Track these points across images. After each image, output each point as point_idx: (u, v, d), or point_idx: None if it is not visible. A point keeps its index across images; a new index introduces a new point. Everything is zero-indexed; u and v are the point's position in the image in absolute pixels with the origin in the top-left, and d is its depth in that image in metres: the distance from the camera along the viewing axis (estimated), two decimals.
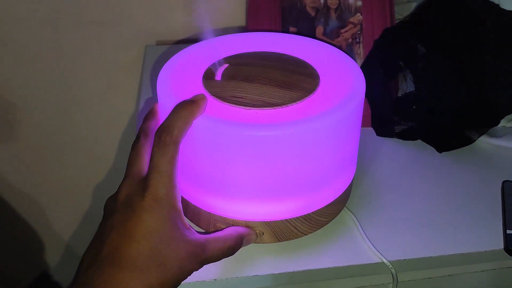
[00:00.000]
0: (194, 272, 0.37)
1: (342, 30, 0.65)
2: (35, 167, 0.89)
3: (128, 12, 0.76)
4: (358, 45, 0.65)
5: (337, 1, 0.65)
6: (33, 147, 0.86)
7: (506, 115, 0.58)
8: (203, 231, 0.45)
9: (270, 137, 0.38)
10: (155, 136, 0.37)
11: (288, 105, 0.40)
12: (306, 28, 0.65)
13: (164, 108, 0.41)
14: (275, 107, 0.40)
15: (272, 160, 0.39)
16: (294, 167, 0.40)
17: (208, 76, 0.44)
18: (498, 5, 0.59)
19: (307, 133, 0.38)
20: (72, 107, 0.83)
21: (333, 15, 0.65)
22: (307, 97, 0.41)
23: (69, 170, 0.90)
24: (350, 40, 0.65)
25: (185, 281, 0.37)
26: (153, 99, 0.65)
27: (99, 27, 0.76)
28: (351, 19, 0.65)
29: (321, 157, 0.40)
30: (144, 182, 0.36)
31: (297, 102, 0.41)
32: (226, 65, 0.45)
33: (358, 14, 0.65)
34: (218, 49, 0.48)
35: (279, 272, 0.43)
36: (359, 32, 0.65)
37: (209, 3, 0.75)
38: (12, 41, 0.76)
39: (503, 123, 0.59)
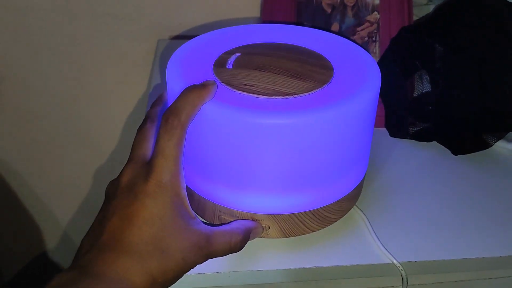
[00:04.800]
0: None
1: (359, 28, 0.64)
2: (40, 155, 0.88)
3: (142, 5, 0.75)
4: (374, 44, 0.63)
5: None
6: (40, 136, 0.86)
7: None
8: (208, 223, 0.44)
9: (280, 125, 0.36)
10: (162, 119, 0.36)
11: (300, 95, 0.39)
12: (321, 24, 0.64)
13: (173, 94, 0.40)
14: (287, 96, 0.39)
15: (281, 150, 0.37)
16: (304, 158, 0.38)
17: (219, 64, 0.43)
18: None
19: (319, 123, 0.37)
20: (82, 98, 0.83)
21: (349, 12, 0.64)
22: (320, 88, 0.40)
23: (75, 162, 0.89)
24: (366, 38, 0.63)
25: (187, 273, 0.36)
26: (163, 87, 0.64)
27: (112, 19, 0.76)
28: (368, 17, 0.64)
29: (332, 149, 0.39)
30: (148, 166, 0.35)
31: (310, 92, 0.39)
32: (238, 54, 0.44)
33: (376, 12, 0.63)
34: (231, 38, 0.47)
35: (284, 268, 0.41)
36: (375, 31, 0.63)
37: None
38: (25, 31, 0.75)
39: None
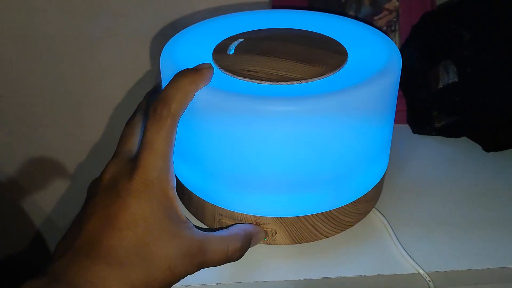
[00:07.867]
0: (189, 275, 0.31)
1: (376, 17, 0.59)
2: (41, 163, 0.85)
3: (150, 3, 0.72)
4: (394, 33, 0.59)
5: None
6: (41, 142, 0.83)
7: None
8: (207, 227, 0.39)
9: (285, 112, 0.32)
10: (150, 109, 0.32)
11: (309, 80, 0.34)
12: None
13: (166, 82, 0.36)
14: (294, 82, 0.34)
15: (287, 142, 0.33)
16: (314, 151, 0.33)
17: (219, 50, 0.39)
18: None
19: (330, 110, 0.32)
20: (89, 101, 0.80)
21: (365, 1, 0.59)
22: (331, 73, 0.35)
23: (79, 170, 0.86)
24: (385, 28, 0.59)
25: (179, 284, 0.31)
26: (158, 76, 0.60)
27: (119, 19, 0.73)
28: (386, 5, 0.59)
29: (346, 141, 0.34)
30: (134, 162, 0.31)
31: (320, 78, 0.35)
32: (241, 40, 0.40)
33: (395, 0, 0.59)
34: (235, 25, 0.43)
35: (293, 279, 0.37)
36: (394, 20, 0.59)
37: None
38: (29, 33, 0.73)
39: None
